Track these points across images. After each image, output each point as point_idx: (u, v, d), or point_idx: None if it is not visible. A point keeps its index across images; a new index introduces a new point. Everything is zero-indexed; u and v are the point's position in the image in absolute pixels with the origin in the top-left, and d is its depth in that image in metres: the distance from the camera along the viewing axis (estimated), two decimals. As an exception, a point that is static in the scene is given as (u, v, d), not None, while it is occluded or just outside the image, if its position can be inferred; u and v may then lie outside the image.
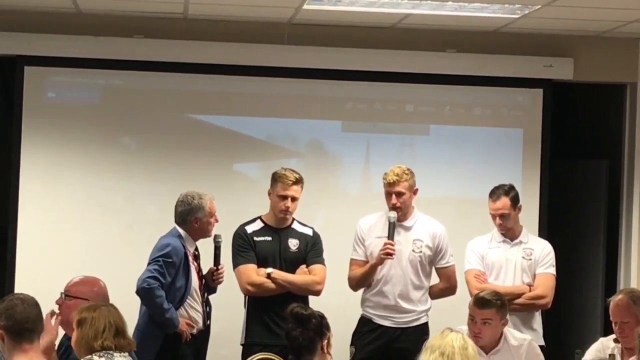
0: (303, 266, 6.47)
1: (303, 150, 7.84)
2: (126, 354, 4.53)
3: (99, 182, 7.54)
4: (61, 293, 5.30)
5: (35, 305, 4.38)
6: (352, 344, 6.47)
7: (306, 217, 6.67)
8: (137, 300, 6.19)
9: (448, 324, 4.61)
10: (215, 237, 6.44)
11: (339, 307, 6.56)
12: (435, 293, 6.61)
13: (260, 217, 6.54)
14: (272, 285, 6.37)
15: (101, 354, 4.44)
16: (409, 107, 7.89)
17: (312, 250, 6.50)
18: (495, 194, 6.60)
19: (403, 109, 7.88)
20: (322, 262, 6.51)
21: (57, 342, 5.13)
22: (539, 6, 6.76)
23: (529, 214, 7.35)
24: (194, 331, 6.27)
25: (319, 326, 4.73)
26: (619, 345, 5.58)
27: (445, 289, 6.60)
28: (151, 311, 6.15)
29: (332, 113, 7.81)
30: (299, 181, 6.43)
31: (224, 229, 6.48)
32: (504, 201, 6.56)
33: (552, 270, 6.60)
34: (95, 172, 7.54)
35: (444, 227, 6.63)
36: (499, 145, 7.91)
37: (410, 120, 7.88)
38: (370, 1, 6.73)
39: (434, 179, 7.60)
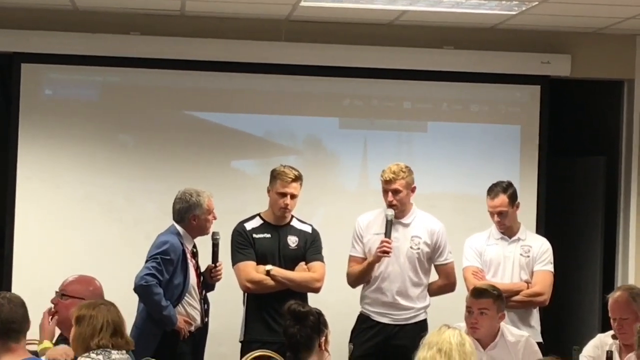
0: (302, 263, 6.46)
1: (301, 147, 7.84)
2: (124, 352, 4.53)
3: (96, 180, 7.53)
4: (56, 292, 5.28)
5: (22, 305, 4.36)
6: (350, 341, 6.48)
7: (304, 214, 6.67)
8: (135, 298, 6.19)
9: (447, 321, 4.61)
10: (213, 234, 6.44)
11: (337, 304, 6.56)
12: (434, 290, 6.61)
13: (259, 214, 6.54)
14: (272, 283, 6.37)
15: (98, 352, 4.45)
16: (406, 104, 7.89)
17: (311, 247, 6.50)
18: (493, 191, 6.59)
19: (400, 106, 7.88)
20: (321, 259, 6.50)
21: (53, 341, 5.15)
22: (536, 3, 6.76)
23: (527, 211, 7.34)
24: (192, 329, 6.26)
25: (317, 323, 4.73)
26: (617, 341, 5.58)
27: (444, 285, 6.60)
28: (149, 308, 6.14)
29: (330, 110, 7.81)
30: (298, 178, 6.43)
31: (222, 227, 6.47)
32: (502, 199, 6.55)
33: (550, 267, 6.60)
34: (92, 170, 7.53)
35: (443, 224, 6.62)
36: (497, 141, 7.91)
37: (407, 117, 7.88)
38: (367, -2, 6.74)
39: (432, 175, 7.60)
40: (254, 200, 7.02)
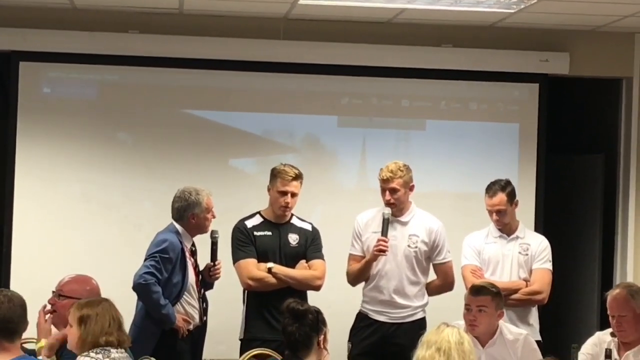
0: (303, 261, 6.47)
1: (299, 146, 7.84)
2: (123, 350, 4.53)
3: (94, 178, 7.53)
4: (53, 292, 5.27)
5: (22, 305, 4.35)
6: (349, 339, 6.48)
7: (302, 212, 6.67)
8: (134, 296, 6.18)
9: (445, 319, 4.61)
10: (212, 232, 6.43)
11: (336, 302, 6.55)
12: (432, 289, 6.60)
13: (259, 212, 6.54)
14: (273, 280, 6.36)
15: (98, 351, 4.45)
16: (404, 102, 7.89)
17: (311, 245, 6.50)
18: (491, 189, 6.59)
19: (399, 104, 7.88)
20: (321, 257, 6.51)
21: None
22: (535, 1, 6.76)
23: (525, 209, 7.34)
24: (191, 327, 6.26)
25: (315, 321, 4.73)
26: (616, 339, 5.59)
27: (442, 285, 6.59)
28: (148, 307, 6.14)
29: (328, 108, 7.81)
30: (298, 177, 6.43)
31: (220, 225, 6.47)
32: (501, 197, 6.55)
33: (549, 266, 6.60)
34: (91, 168, 7.53)
35: (442, 222, 6.62)
36: (495, 140, 7.91)
37: (406, 115, 7.88)
38: (366, -4, 6.74)
39: (430, 174, 7.60)
40: (253, 198, 7.03)
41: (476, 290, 5.75)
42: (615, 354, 5.48)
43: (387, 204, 6.45)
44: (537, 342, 6.10)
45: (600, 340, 5.66)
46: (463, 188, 7.80)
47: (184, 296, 6.23)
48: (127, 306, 5.81)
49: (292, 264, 6.43)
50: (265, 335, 6.26)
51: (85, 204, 7.52)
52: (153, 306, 6.10)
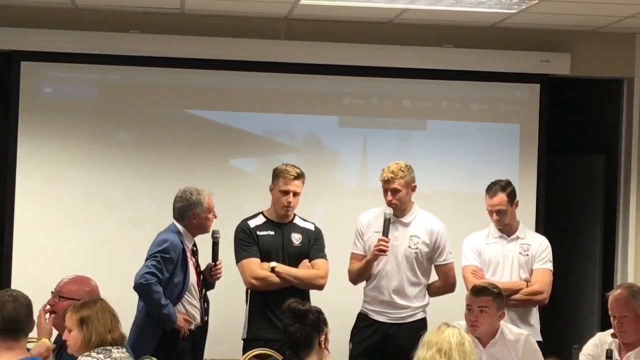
0: (305, 260, 6.47)
1: (300, 146, 7.84)
2: (124, 350, 4.53)
3: (95, 178, 7.53)
4: (52, 292, 5.27)
5: (27, 305, 4.35)
6: (350, 339, 6.48)
7: (303, 212, 6.67)
8: (135, 296, 6.19)
9: (446, 320, 4.60)
10: (213, 232, 6.44)
11: (337, 302, 6.55)
12: (434, 290, 6.60)
13: (262, 212, 6.54)
14: (277, 279, 6.37)
15: (99, 351, 4.44)
16: (406, 102, 7.89)
17: (314, 244, 6.51)
18: (492, 189, 6.59)
19: (400, 104, 7.88)
20: (324, 256, 6.52)
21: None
22: (536, 1, 6.76)
23: (526, 209, 7.34)
24: (192, 327, 6.26)
25: (316, 321, 4.74)
26: (617, 340, 5.59)
27: (444, 286, 6.58)
28: (149, 307, 6.14)
29: (329, 108, 7.81)
30: (300, 176, 6.44)
31: (221, 225, 6.47)
32: (501, 197, 6.55)
33: (549, 266, 6.60)
34: (92, 168, 7.53)
35: (444, 224, 6.62)
36: (496, 140, 7.91)
37: (407, 115, 7.88)
38: (367, -4, 6.74)
39: (431, 174, 7.59)
40: (254, 198, 7.04)
41: (478, 291, 5.75)
42: (616, 355, 5.48)
43: (389, 204, 6.45)
44: (538, 342, 6.10)
45: (602, 341, 5.66)
46: (464, 188, 7.80)
47: (185, 296, 6.23)
48: (127, 306, 5.82)
49: (294, 264, 6.43)
50: (268, 334, 6.26)
51: (86, 204, 7.52)
52: (154, 306, 6.10)
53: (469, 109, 7.90)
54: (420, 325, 6.41)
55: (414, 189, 6.51)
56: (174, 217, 6.33)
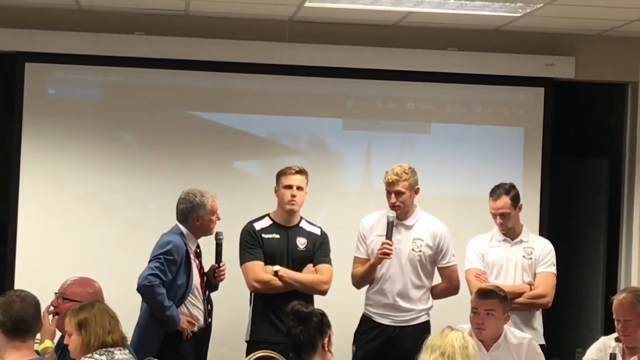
0: (310, 265, 6.47)
1: (304, 148, 7.84)
2: (126, 351, 4.53)
3: (99, 179, 7.53)
4: (55, 293, 5.27)
5: (35, 305, 4.35)
6: (353, 342, 6.48)
7: (307, 214, 6.67)
8: (138, 298, 6.19)
9: (450, 323, 4.60)
10: (217, 234, 6.44)
11: (341, 305, 6.56)
12: (437, 293, 6.60)
13: (268, 215, 6.55)
14: (279, 283, 6.37)
15: (101, 352, 4.43)
16: (410, 105, 7.88)
17: (319, 249, 6.51)
18: (495, 193, 6.59)
19: (404, 107, 7.87)
20: (329, 262, 6.52)
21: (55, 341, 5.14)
22: (541, 5, 6.75)
23: (530, 213, 7.34)
24: (195, 329, 6.26)
25: (320, 324, 4.74)
26: (621, 344, 5.58)
27: (447, 288, 6.58)
28: (152, 308, 6.14)
29: (333, 111, 7.80)
30: (302, 171, 6.46)
31: (225, 227, 6.47)
32: (505, 200, 6.55)
33: (553, 269, 6.60)
34: (95, 169, 7.53)
35: (447, 226, 6.61)
36: (500, 143, 7.90)
37: (411, 118, 7.87)
38: (372, -1, 6.73)
39: (435, 177, 7.59)
40: (257, 200, 7.04)
41: (484, 294, 5.75)
42: (619, 359, 5.47)
43: (392, 206, 6.45)
44: (541, 346, 6.11)
45: (605, 345, 5.66)
46: (467, 191, 7.79)
47: (189, 298, 6.24)
48: (130, 307, 5.83)
49: (299, 268, 6.43)
50: (271, 337, 6.26)
51: (89, 205, 7.51)
52: (157, 308, 6.10)
53: (473, 112, 7.90)
54: (424, 328, 6.40)
55: (417, 191, 6.51)
56: (178, 219, 6.33)
